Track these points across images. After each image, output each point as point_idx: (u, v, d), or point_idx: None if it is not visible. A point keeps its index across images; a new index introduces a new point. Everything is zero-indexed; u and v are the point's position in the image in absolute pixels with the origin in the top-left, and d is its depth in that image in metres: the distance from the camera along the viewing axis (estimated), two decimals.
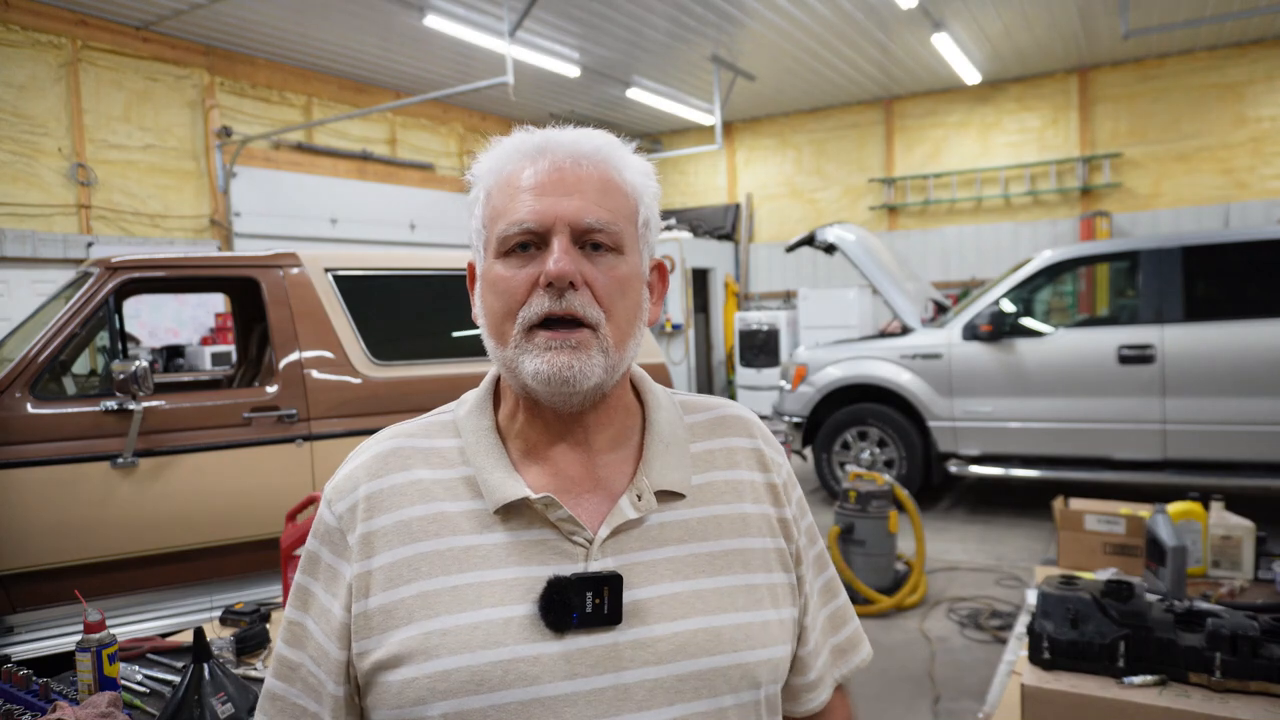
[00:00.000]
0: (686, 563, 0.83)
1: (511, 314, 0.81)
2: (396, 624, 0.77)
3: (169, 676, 1.75)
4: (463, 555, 0.79)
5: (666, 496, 0.85)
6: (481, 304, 0.86)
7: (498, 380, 0.91)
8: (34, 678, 1.57)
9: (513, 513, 0.81)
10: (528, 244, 0.81)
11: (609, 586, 0.77)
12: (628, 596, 0.79)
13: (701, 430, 0.93)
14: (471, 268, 0.90)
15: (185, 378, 4.62)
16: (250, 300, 3.91)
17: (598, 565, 0.79)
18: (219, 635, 1.93)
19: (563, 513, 0.80)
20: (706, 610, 0.81)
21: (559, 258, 0.78)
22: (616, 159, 0.85)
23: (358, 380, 3.36)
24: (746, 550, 0.87)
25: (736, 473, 0.91)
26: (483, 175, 0.86)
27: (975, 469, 5.52)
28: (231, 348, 6.27)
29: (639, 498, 0.83)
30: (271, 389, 3.26)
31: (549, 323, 0.80)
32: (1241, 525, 2.56)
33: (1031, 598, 2.61)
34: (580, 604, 0.76)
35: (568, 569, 0.78)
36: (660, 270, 0.93)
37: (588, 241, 0.81)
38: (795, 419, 6.07)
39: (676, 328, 10.94)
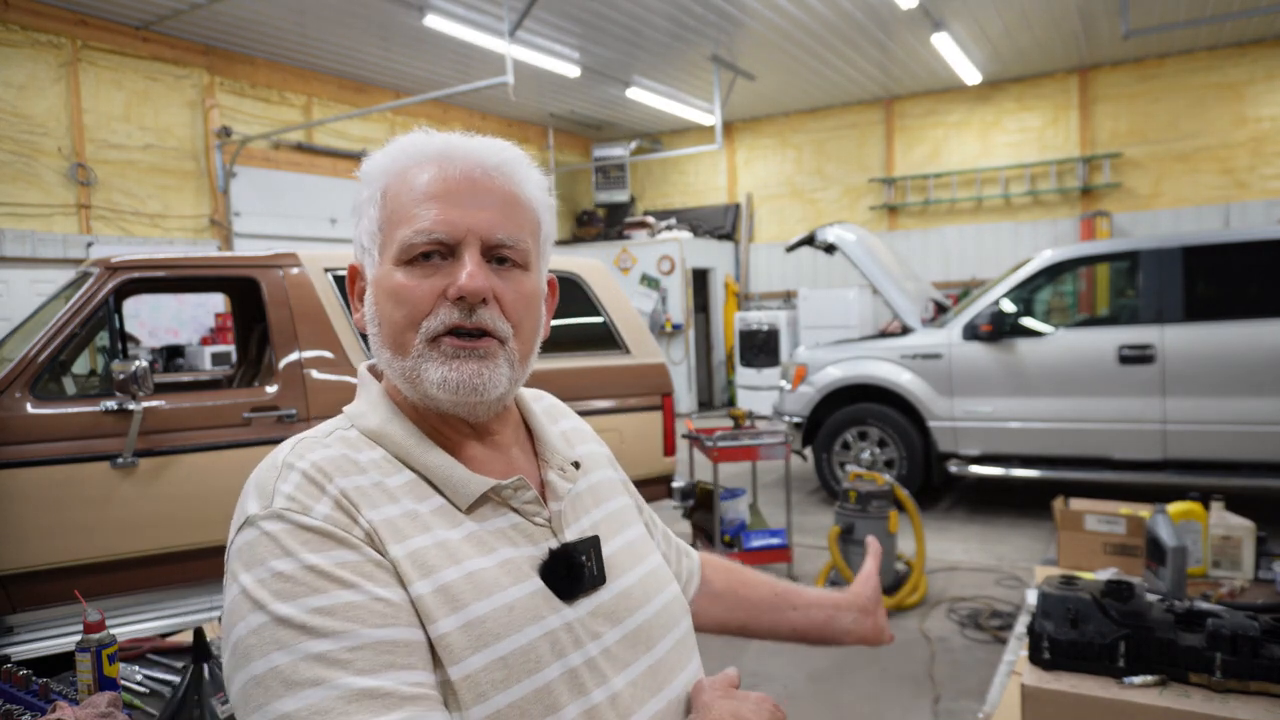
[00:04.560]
0: (606, 522, 0.91)
1: (414, 324, 0.78)
2: (424, 623, 0.71)
3: (169, 676, 1.75)
4: (460, 546, 0.76)
5: (571, 467, 0.93)
6: (376, 311, 0.81)
7: (377, 385, 0.88)
8: (34, 678, 1.56)
9: (476, 505, 0.81)
10: (432, 253, 0.79)
11: (594, 549, 0.83)
12: None
13: (548, 416, 1.01)
14: (354, 270, 0.87)
15: (185, 378, 4.62)
16: (250, 300, 3.91)
17: (572, 535, 0.84)
18: (219, 635, 1.93)
19: (530, 494, 0.83)
20: (637, 559, 0.90)
21: (473, 272, 0.77)
22: (521, 174, 0.84)
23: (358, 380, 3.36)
24: (630, 507, 0.99)
25: (587, 447, 1.01)
26: (377, 175, 0.83)
27: (975, 469, 5.52)
28: (231, 348, 6.27)
29: (563, 470, 0.89)
30: (271, 389, 3.26)
31: (455, 333, 0.78)
32: (1242, 525, 2.56)
33: (1031, 598, 2.61)
34: (581, 569, 0.80)
35: (545, 546, 0.81)
36: (551, 287, 0.94)
37: (494, 256, 0.80)
38: (795, 419, 6.07)
39: (676, 328, 10.94)
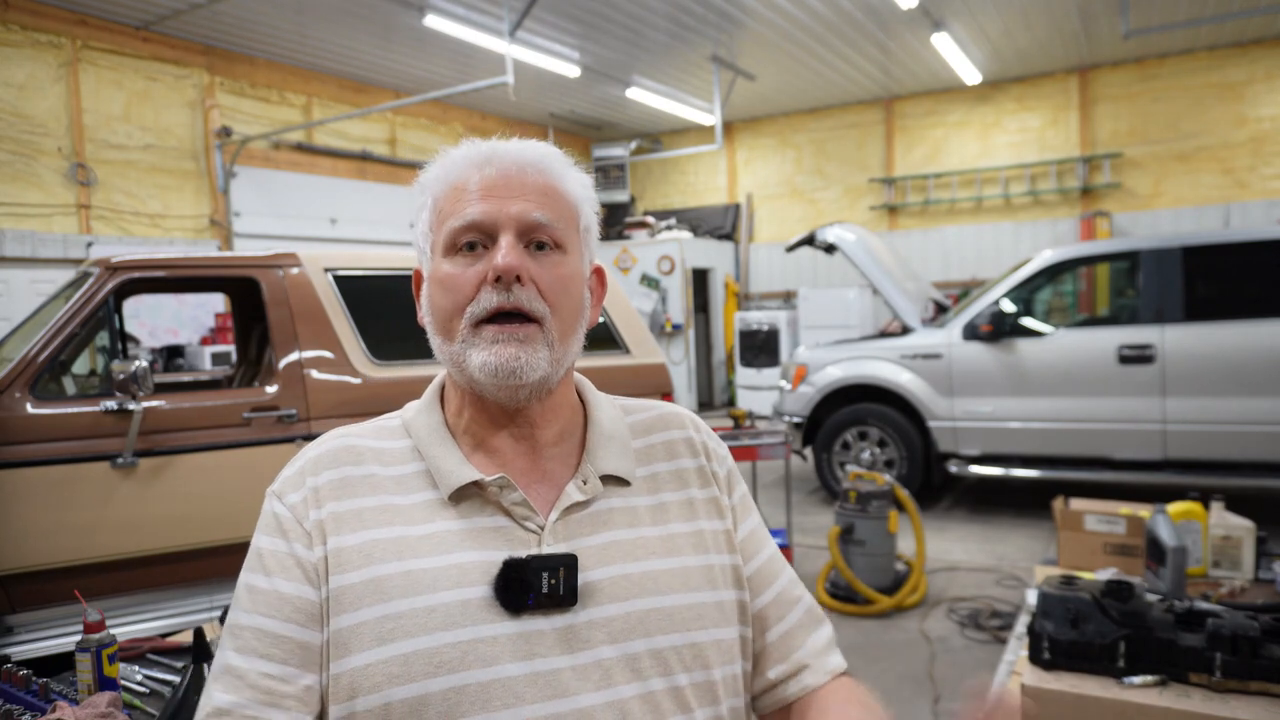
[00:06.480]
0: (637, 545, 0.86)
1: (460, 310, 0.83)
2: (345, 609, 0.77)
3: (169, 676, 1.75)
4: (416, 543, 0.80)
5: (612, 482, 0.89)
6: (429, 303, 0.88)
7: (443, 383, 0.95)
8: (34, 678, 1.56)
9: (465, 498, 0.83)
10: (475, 243, 0.84)
11: (564, 567, 0.80)
12: (582, 578, 0.81)
13: (641, 428, 0.97)
14: (418, 274, 0.93)
15: (185, 378, 4.62)
16: (250, 300, 3.90)
17: (551, 549, 0.81)
18: (219, 635, 1.93)
19: (517, 495, 0.83)
20: (659, 591, 0.83)
21: (506, 253, 0.82)
22: (558, 170, 0.89)
23: (358, 380, 3.36)
24: (698, 533, 0.90)
25: (679, 462, 0.95)
26: (430, 183, 0.90)
27: (975, 469, 5.52)
28: (231, 348, 6.27)
29: (585, 482, 0.87)
30: (271, 389, 3.26)
31: (496, 317, 0.82)
32: (1242, 525, 2.56)
33: (1031, 598, 2.61)
34: (536, 585, 0.78)
35: (522, 552, 0.80)
36: (599, 275, 0.96)
37: (533, 241, 0.85)
38: (795, 419, 6.07)
39: (676, 328, 10.93)
